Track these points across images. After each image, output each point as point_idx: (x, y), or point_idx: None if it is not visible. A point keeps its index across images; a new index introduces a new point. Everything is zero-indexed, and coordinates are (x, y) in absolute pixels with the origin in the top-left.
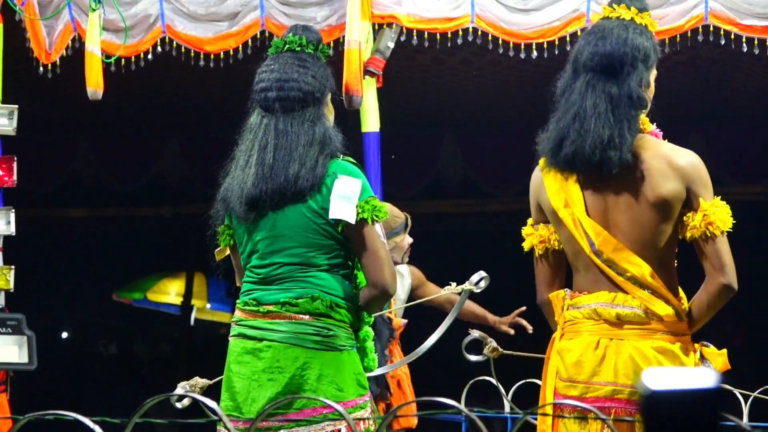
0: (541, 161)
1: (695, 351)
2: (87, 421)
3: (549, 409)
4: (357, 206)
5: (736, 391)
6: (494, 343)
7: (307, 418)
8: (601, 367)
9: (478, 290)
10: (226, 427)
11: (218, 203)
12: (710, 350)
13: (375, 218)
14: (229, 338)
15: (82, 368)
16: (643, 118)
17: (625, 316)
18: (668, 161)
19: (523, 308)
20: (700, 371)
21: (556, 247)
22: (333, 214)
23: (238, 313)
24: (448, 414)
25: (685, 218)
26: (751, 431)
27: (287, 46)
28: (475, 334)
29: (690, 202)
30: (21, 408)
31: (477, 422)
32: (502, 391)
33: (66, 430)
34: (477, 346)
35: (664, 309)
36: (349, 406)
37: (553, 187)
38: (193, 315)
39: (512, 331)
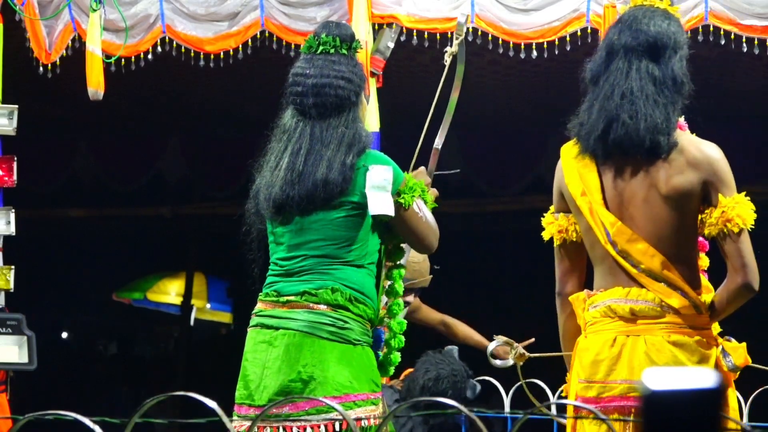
0: (565, 147)
1: (717, 345)
2: (87, 421)
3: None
4: (396, 193)
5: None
6: (521, 348)
7: (317, 408)
8: (617, 365)
9: (462, 33)
10: (238, 424)
11: (250, 201)
12: (732, 344)
13: (413, 199)
14: (248, 329)
15: (82, 368)
16: None
17: (640, 311)
18: (685, 153)
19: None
20: (701, 371)
21: (575, 239)
22: (373, 211)
23: (258, 305)
24: (448, 414)
25: (703, 215)
26: (751, 431)
27: (321, 47)
28: (501, 339)
29: (708, 198)
30: (21, 408)
31: (477, 422)
32: (502, 390)
33: (66, 430)
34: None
35: (679, 301)
36: (360, 399)
37: (571, 175)
38: (193, 315)
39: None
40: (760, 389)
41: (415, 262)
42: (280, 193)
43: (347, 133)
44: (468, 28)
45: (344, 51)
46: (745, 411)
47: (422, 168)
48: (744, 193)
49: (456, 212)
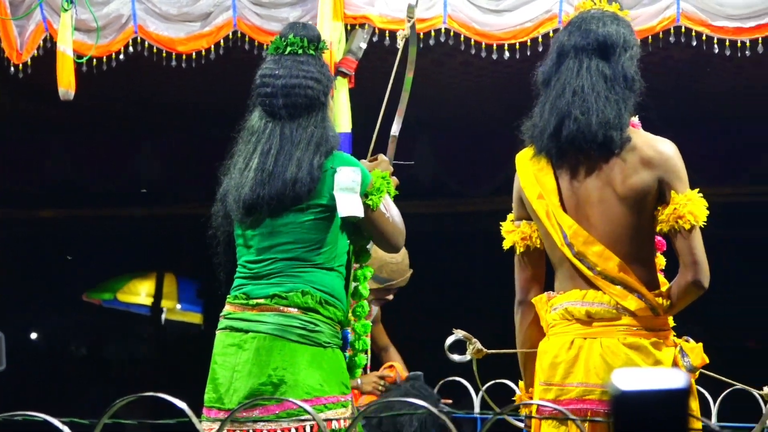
0: (520, 154)
1: (675, 345)
2: (56, 421)
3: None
4: (363, 194)
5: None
6: (479, 344)
7: (287, 411)
8: (574, 367)
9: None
10: (207, 427)
11: (217, 203)
12: (689, 345)
13: (380, 200)
14: (216, 332)
15: (52, 369)
16: None
17: (596, 313)
18: (640, 152)
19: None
20: (670, 372)
21: (538, 245)
22: (342, 213)
23: (227, 307)
24: (417, 414)
25: (656, 211)
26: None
27: (289, 48)
28: (459, 334)
29: (663, 195)
30: None
31: (446, 422)
32: (472, 391)
33: (35, 431)
34: (460, 346)
35: (635, 304)
36: (331, 401)
37: (527, 179)
38: (164, 316)
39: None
40: (729, 389)
41: (394, 262)
42: (250, 194)
43: (316, 133)
44: (440, 29)
45: (312, 51)
46: (714, 411)
47: (383, 155)
48: (697, 190)
49: (427, 212)
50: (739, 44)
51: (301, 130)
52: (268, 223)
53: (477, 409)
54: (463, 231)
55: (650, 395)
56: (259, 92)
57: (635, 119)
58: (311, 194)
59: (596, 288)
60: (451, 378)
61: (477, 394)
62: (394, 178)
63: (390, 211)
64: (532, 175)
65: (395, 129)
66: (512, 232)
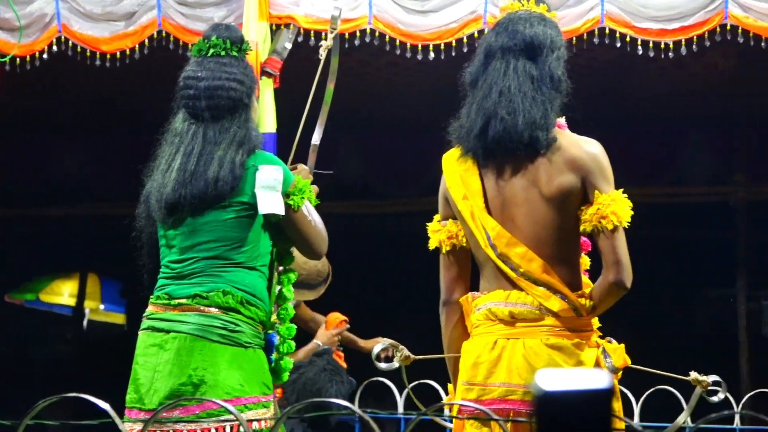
0: (447, 154)
1: (598, 346)
2: None
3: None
4: (285, 194)
5: (628, 392)
6: (406, 351)
7: (208, 411)
8: (497, 368)
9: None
10: (129, 428)
11: (140, 205)
12: (612, 346)
13: (302, 201)
14: (139, 332)
15: None
16: None
17: (519, 314)
18: (564, 153)
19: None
20: (593, 372)
21: (464, 244)
22: (263, 210)
23: (149, 308)
24: (341, 415)
25: (579, 211)
26: (642, 431)
27: (212, 50)
28: (386, 342)
29: (587, 195)
30: None
31: (370, 423)
32: (396, 391)
33: None
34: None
35: (558, 304)
36: (251, 402)
37: (453, 179)
38: (86, 316)
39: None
40: (651, 389)
41: (321, 262)
42: (172, 194)
43: (239, 133)
44: (366, 30)
45: (235, 53)
46: (636, 411)
47: (302, 165)
48: (622, 190)
49: (351, 213)
50: (662, 46)
51: (224, 131)
52: (189, 222)
53: (401, 409)
54: (388, 232)
55: (573, 396)
56: (182, 94)
57: (561, 120)
58: (233, 192)
59: (520, 289)
60: (375, 379)
61: (401, 395)
62: (315, 186)
63: (312, 215)
64: (458, 175)
65: (316, 138)
66: (438, 232)
